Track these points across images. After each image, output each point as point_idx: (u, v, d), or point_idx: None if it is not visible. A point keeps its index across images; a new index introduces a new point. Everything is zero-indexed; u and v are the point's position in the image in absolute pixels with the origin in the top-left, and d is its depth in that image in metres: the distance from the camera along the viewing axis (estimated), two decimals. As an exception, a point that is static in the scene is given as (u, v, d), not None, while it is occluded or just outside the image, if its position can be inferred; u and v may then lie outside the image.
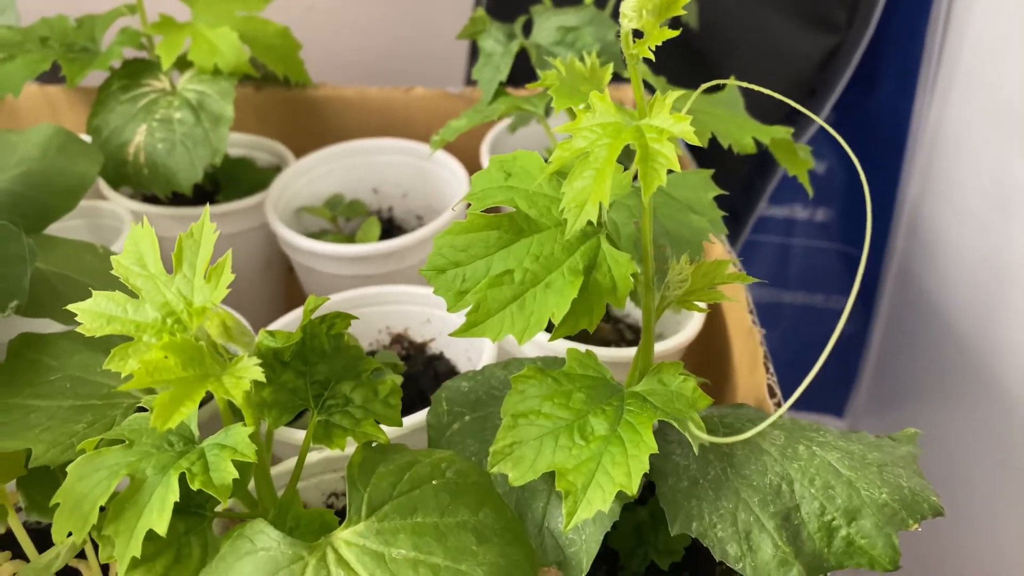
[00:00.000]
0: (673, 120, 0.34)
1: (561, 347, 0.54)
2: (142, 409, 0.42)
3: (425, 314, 0.62)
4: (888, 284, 1.00)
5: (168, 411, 0.31)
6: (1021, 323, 0.75)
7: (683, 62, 0.85)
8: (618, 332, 0.65)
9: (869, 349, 1.04)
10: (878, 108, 0.93)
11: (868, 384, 1.06)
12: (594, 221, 0.35)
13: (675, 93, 0.35)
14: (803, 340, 1.05)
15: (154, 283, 0.36)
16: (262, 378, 0.33)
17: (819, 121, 0.36)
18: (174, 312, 0.35)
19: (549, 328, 0.38)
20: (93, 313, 0.36)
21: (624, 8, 0.32)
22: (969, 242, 0.83)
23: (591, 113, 0.36)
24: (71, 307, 0.36)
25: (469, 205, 0.40)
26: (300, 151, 0.77)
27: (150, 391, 0.43)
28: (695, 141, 0.33)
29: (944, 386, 0.88)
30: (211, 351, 0.35)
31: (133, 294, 0.36)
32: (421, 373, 0.60)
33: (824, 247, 1.02)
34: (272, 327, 0.57)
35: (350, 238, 0.71)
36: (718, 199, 0.49)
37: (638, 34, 0.34)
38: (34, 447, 0.39)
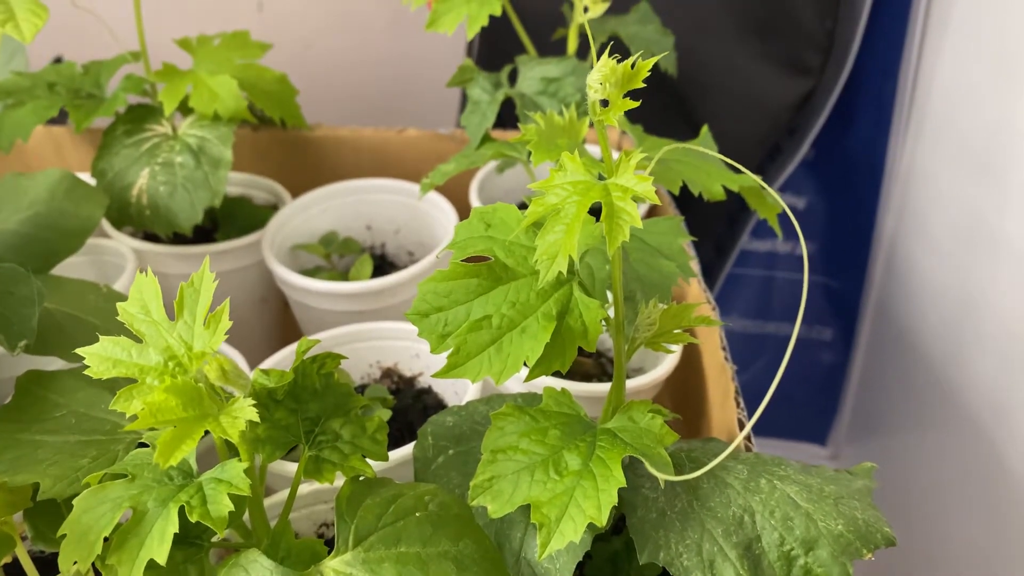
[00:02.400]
0: (636, 180, 0.37)
1: (543, 382, 0.57)
2: (143, 444, 0.44)
3: (414, 349, 0.64)
4: (868, 315, 1.03)
5: (170, 449, 0.34)
6: (988, 354, 0.78)
7: (663, 106, 0.88)
8: (600, 366, 0.67)
9: (850, 379, 1.07)
10: (855, 146, 0.97)
11: (850, 413, 1.09)
12: (564, 272, 0.38)
13: (639, 154, 0.38)
14: (786, 370, 1.07)
15: (157, 329, 0.39)
16: (256, 418, 0.36)
17: (772, 192, 0.39)
18: (175, 356, 0.38)
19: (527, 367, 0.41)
20: (100, 357, 0.38)
21: (590, 80, 0.36)
22: (941, 276, 0.86)
23: (563, 172, 0.39)
24: (80, 351, 0.39)
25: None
26: (296, 189, 0.80)
27: (146, 428, 0.45)
28: (655, 200, 0.36)
29: (920, 415, 0.91)
30: (209, 392, 0.37)
31: (137, 338, 0.39)
32: (410, 406, 0.63)
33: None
34: (266, 364, 0.60)
35: (344, 275, 0.74)
36: (705, 233, 0.52)
37: (605, 102, 0.37)
38: (42, 481, 0.42)
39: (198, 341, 0.38)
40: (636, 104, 0.36)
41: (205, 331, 0.38)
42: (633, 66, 0.35)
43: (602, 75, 0.34)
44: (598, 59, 0.36)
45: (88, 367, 0.39)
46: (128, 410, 0.37)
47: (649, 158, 0.41)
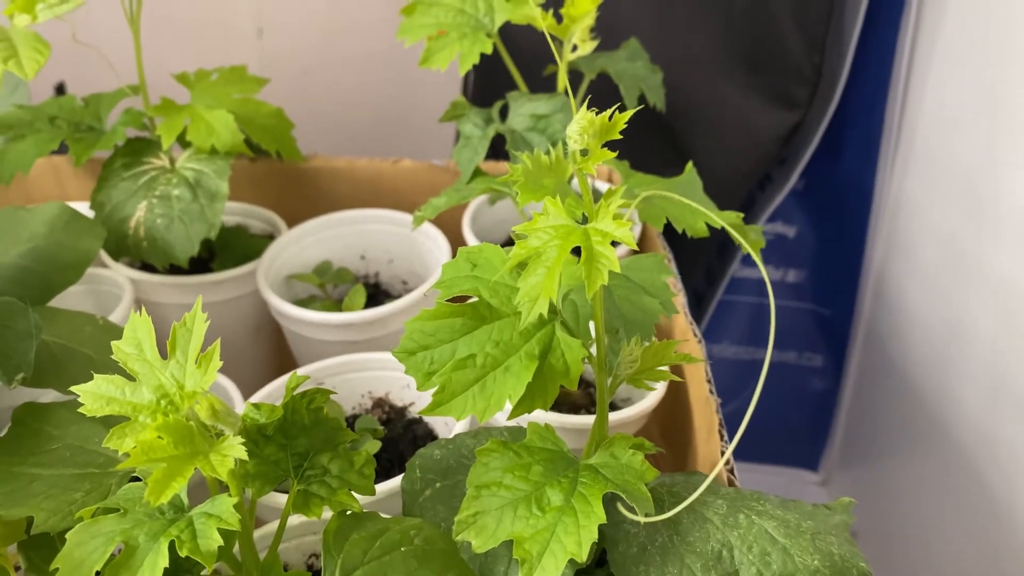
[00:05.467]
0: (615, 225, 0.38)
1: (531, 415, 0.58)
2: (136, 478, 0.45)
3: (405, 380, 0.65)
4: (857, 343, 1.04)
5: (161, 487, 0.35)
6: (974, 381, 0.79)
7: (651, 139, 0.90)
8: (588, 396, 0.68)
9: (841, 406, 1.08)
10: (844, 176, 0.98)
11: (841, 439, 1.10)
12: (545, 314, 0.39)
13: (618, 200, 0.39)
14: (777, 395, 1.08)
15: (150, 367, 0.40)
16: (245, 456, 0.37)
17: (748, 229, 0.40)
18: (168, 395, 0.39)
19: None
20: (94, 394, 0.39)
21: (569, 131, 0.37)
22: (928, 305, 0.87)
23: (545, 215, 0.40)
24: (75, 388, 0.40)
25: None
26: (293, 218, 0.82)
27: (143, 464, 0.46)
28: (633, 246, 0.37)
29: (909, 441, 0.92)
30: (200, 430, 0.38)
31: (131, 377, 0.40)
32: (401, 436, 0.64)
33: (795, 307, 1.07)
34: (257, 396, 0.61)
35: (338, 304, 0.75)
36: (696, 259, 0.53)
37: (585, 151, 0.38)
38: (36, 515, 0.43)
39: (190, 380, 0.39)
40: (613, 155, 0.37)
41: (197, 370, 0.39)
42: (611, 118, 0.36)
43: (580, 127, 0.36)
44: (582, 105, 0.38)
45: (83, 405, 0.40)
46: (121, 448, 0.38)
47: (632, 197, 0.42)
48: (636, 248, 0.38)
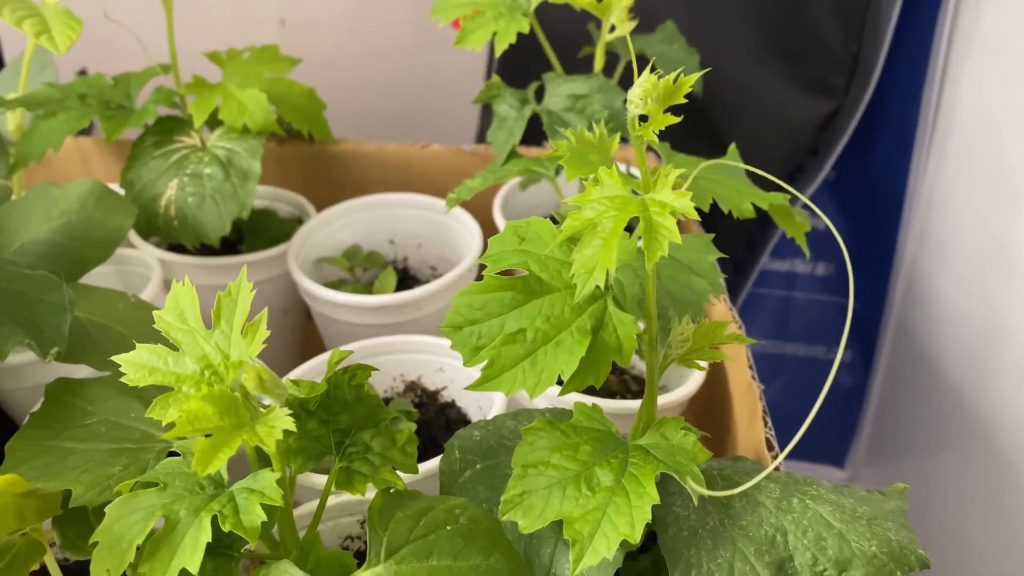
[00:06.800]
0: (675, 196, 0.37)
1: (567, 398, 0.57)
2: (174, 453, 0.44)
3: (438, 363, 0.64)
4: (887, 338, 1.02)
5: (208, 457, 0.34)
6: (1010, 379, 0.77)
7: (687, 123, 0.88)
8: (623, 383, 0.67)
9: (869, 402, 1.06)
10: (877, 168, 0.97)
11: (868, 436, 1.08)
12: (601, 286, 0.38)
13: (677, 170, 0.38)
14: (804, 391, 1.07)
15: (194, 337, 0.39)
16: (293, 428, 0.36)
17: (803, 198, 0.39)
18: (212, 365, 0.38)
19: (559, 382, 0.41)
20: (136, 364, 0.38)
21: (631, 96, 0.36)
22: (961, 300, 0.86)
23: (600, 186, 0.39)
24: (116, 358, 0.39)
25: (484, 266, 0.43)
26: (320, 202, 0.81)
27: (181, 436, 0.45)
28: (694, 216, 0.36)
29: (939, 439, 0.90)
30: (244, 401, 0.37)
31: (173, 347, 0.39)
32: (433, 420, 0.63)
33: (824, 300, 1.05)
34: (292, 375, 0.60)
35: (367, 288, 0.74)
36: (724, 252, 0.52)
37: (644, 117, 0.37)
38: (74, 488, 0.42)
39: (235, 350, 0.38)
40: (677, 119, 0.36)
41: (242, 340, 0.38)
42: (675, 81, 0.35)
43: (644, 90, 0.35)
44: (637, 76, 0.37)
45: (118, 376, 0.39)
46: (164, 418, 0.37)
47: (685, 175, 0.41)
48: (697, 218, 0.37)
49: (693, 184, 0.55)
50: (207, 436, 0.35)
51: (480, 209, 0.78)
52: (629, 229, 0.41)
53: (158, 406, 0.37)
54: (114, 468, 0.43)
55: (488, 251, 0.43)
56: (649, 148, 0.74)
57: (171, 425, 0.35)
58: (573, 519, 0.39)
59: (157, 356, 0.39)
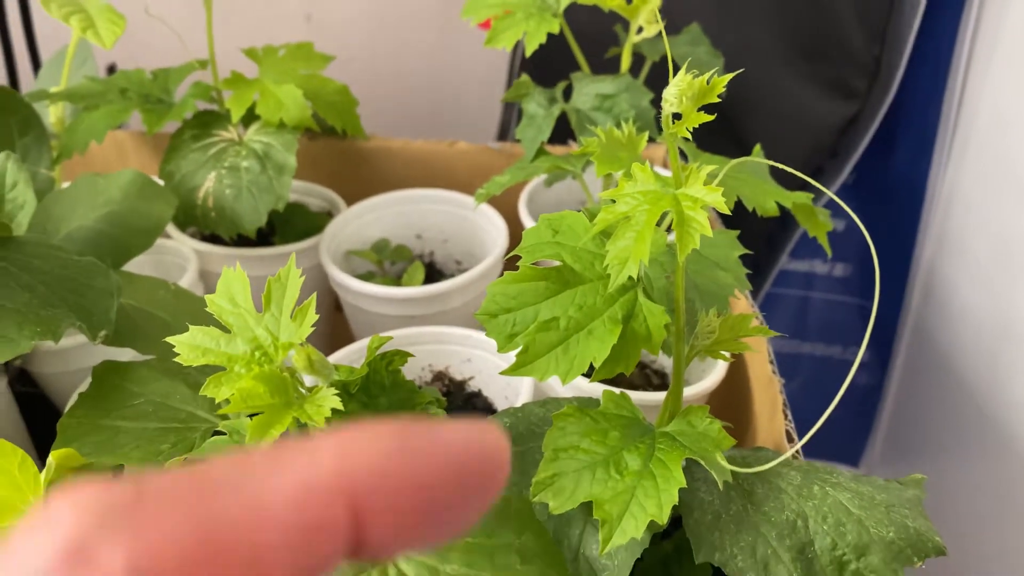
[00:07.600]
0: (706, 191, 0.39)
1: (591, 389, 0.58)
2: (219, 432, 0.46)
3: (466, 354, 0.66)
4: (904, 339, 1.03)
5: (260, 434, 0.36)
6: (1029, 381, 0.78)
7: (710, 123, 0.90)
8: (645, 377, 0.69)
9: (885, 401, 1.07)
10: (896, 171, 0.98)
11: (883, 435, 1.09)
12: (634, 277, 0.40)
13: (708, 166, 0.40)
14: (822, 390, 1.08)
15: (244, 320, 0.41)
16: (341, 407, 0.37)
17: (830, 194, 0.40)
18: (262, 346, 0.40)
19: (588, 371, 0.42)
20: (190, 345, 0.40)
21: (666, 94, 0.37)
22: (980, 301, 0.87)
23: (633, 181, 0.41)
24: (170, 339, 0.41)
25: (518, 257, 0.45)
26: (349, 197, 0.83)
27: (224, 416, 0.47)
28: (725, 210, 0.37)
29: (955, 440, 0.91)
30: (293, 382, 0.39)
31: (225, 329, 0.41)
32: (460, 410, 0.65)
33: (842, 301, 1.06)
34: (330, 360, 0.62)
35: (395, 280, 0.76)
36: (743, 253, 0.53)
37: (677, 116, 0.39)
38: (126, 463, 0.44)
39: (284, 332, 0.40)
40: (711, 117, 0.37)
41: (292, 323, 0.40)
42: (709, 81, 0.37)
43: (679, 89, 0.36)
44: (672, 75, 0.38)
45: (162, 360, 0.41)
46: (218, 396, 0.39)
47: (715, 172, 0.43)
48: (729, 212, 0.39)
49: (720, 182, 0.57)
50: (257, 414, 0.37)
51: (506, 206, 0.80)
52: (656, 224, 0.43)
53: (211, 384, 0.39)
54: (163, 445, 0.45)
55: (523, 243, 0.45)
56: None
57: (225, 403, 0.37)
58: (603, 500, 0.41)
59: (210, 337, 0.41)
